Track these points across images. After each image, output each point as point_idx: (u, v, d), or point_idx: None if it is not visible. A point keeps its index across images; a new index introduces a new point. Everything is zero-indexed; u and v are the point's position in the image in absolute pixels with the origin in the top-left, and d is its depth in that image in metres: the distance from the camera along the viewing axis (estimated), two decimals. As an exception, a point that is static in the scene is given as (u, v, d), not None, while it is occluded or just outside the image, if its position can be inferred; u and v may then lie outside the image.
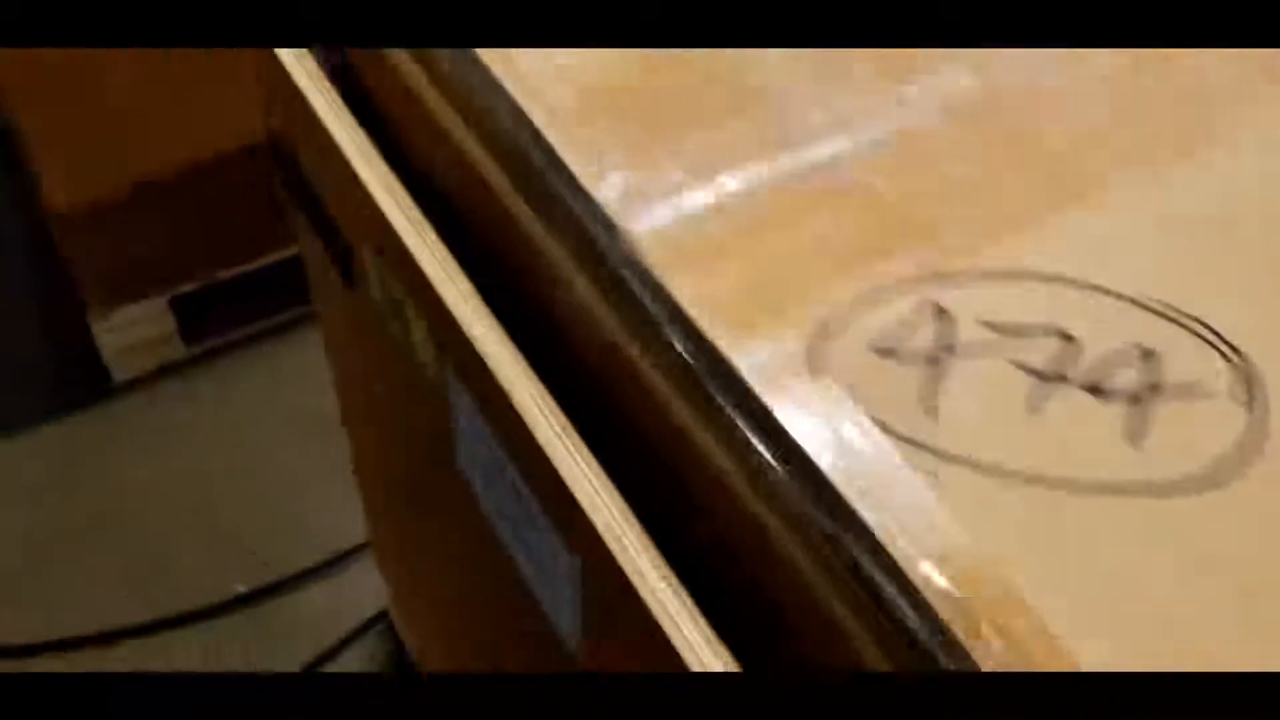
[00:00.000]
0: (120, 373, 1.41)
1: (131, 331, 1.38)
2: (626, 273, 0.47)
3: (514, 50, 0.55)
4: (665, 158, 0.51)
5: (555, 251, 0.51)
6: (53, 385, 1.44)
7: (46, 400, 1.42)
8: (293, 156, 0.68)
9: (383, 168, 0.58)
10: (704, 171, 0.51)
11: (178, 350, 1.43)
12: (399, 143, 0.61)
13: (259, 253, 1.39)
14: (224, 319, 1.44)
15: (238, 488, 1.35)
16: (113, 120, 1.21)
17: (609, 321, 0.48)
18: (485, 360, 0.50)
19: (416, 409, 0.68)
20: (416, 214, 0.56)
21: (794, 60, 0.55)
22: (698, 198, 0.50)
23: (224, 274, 1.39)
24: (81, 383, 1.41)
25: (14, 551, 1.29)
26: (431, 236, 0.55)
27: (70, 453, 1.38)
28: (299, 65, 0.64)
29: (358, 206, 0.59)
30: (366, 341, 0.72)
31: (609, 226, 0.48)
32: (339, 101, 0.62)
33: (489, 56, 0.54)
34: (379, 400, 0.79)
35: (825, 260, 0.48)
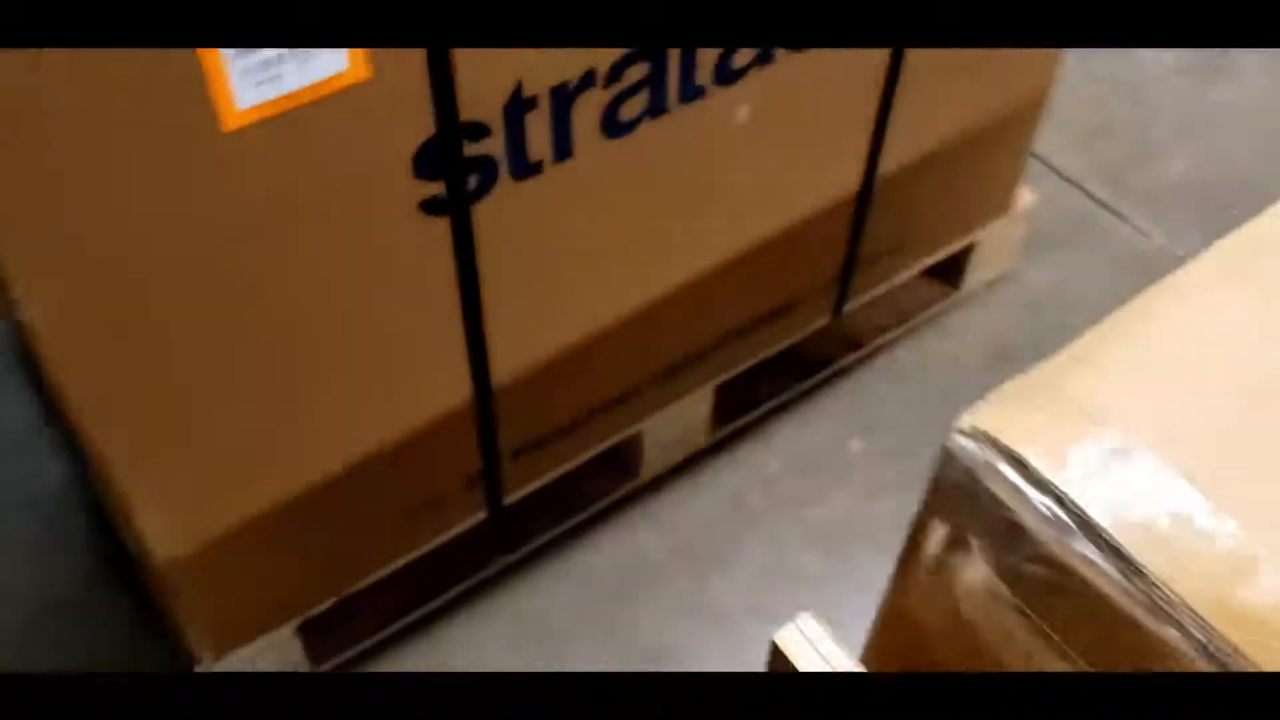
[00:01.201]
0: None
1: (252, 665, 1.18)
2: None
3: None
4: None
5: None
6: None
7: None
8: None
9: None
10: None
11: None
12: None
13: (388, 559, 1.21)
14: (354, 631, 1.27)
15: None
16: (215, 455, 1.00)
17: None
18: None
19: None
20: None
21: None
22: None
23: (354, 588, 1.21)
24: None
25: None
26: None
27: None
28: None
29: None
30: None
31: None
32: None
33: None
34: None
35: None
